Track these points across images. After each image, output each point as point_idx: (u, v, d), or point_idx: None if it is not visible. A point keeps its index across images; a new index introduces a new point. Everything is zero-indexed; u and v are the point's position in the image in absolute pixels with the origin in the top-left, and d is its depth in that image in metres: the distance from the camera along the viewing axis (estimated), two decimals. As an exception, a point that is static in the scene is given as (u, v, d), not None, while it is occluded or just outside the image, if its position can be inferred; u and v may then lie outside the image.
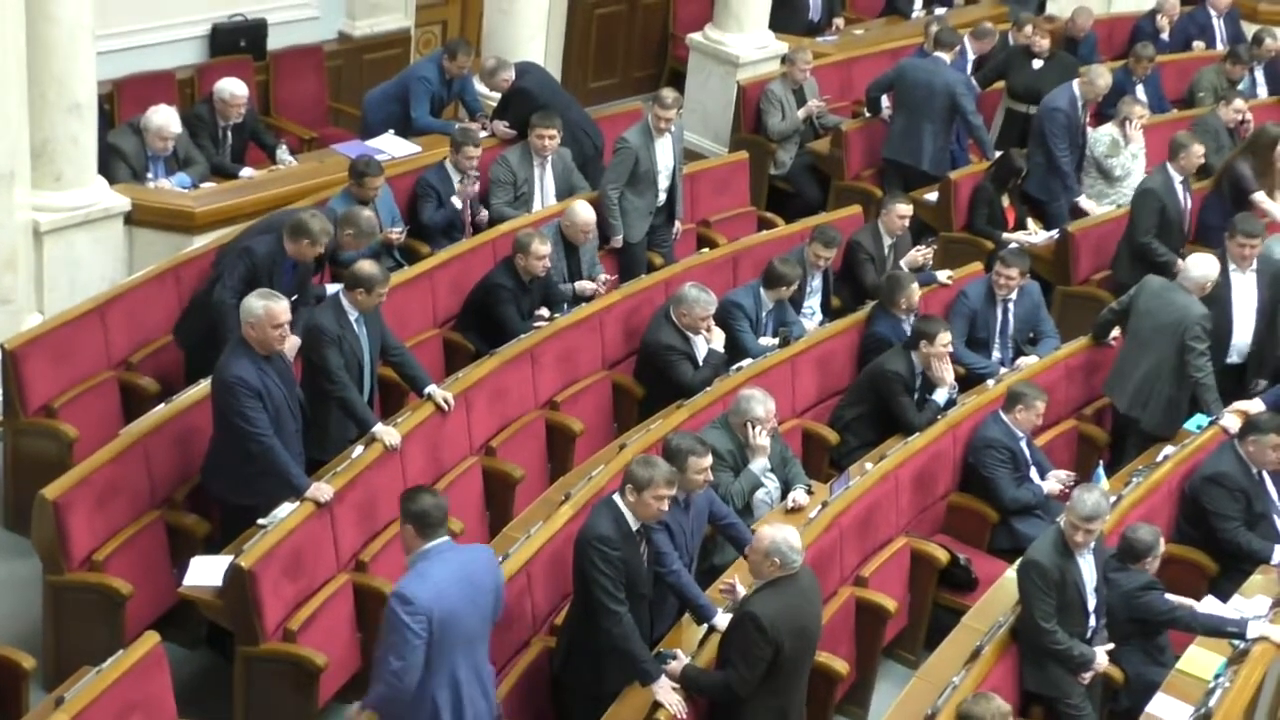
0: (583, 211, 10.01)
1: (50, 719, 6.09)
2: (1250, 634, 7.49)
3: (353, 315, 8.15)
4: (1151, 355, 9.31)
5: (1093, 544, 7.45)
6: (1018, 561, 7.68)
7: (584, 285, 10.01)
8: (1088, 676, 7.42)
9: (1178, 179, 10.94)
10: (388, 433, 8.00)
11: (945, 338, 9.13)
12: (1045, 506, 8.76)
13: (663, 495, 6.77)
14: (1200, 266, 9.46)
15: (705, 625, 7.16)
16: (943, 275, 10.53)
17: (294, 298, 8.39)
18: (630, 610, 6.75)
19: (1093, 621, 7.49)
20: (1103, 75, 12.09)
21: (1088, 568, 7.45)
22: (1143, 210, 10.78)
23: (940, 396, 9.12)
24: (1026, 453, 8.87)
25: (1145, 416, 9.34)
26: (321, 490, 7.53)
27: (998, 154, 11.87)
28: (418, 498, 6.35)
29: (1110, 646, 7.51)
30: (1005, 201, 11.57)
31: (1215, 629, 7.62)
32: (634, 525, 6.81)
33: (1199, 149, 11.01)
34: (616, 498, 6.85)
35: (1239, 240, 9.77)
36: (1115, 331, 9.80)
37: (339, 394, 8.00)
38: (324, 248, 8.69)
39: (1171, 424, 9.32)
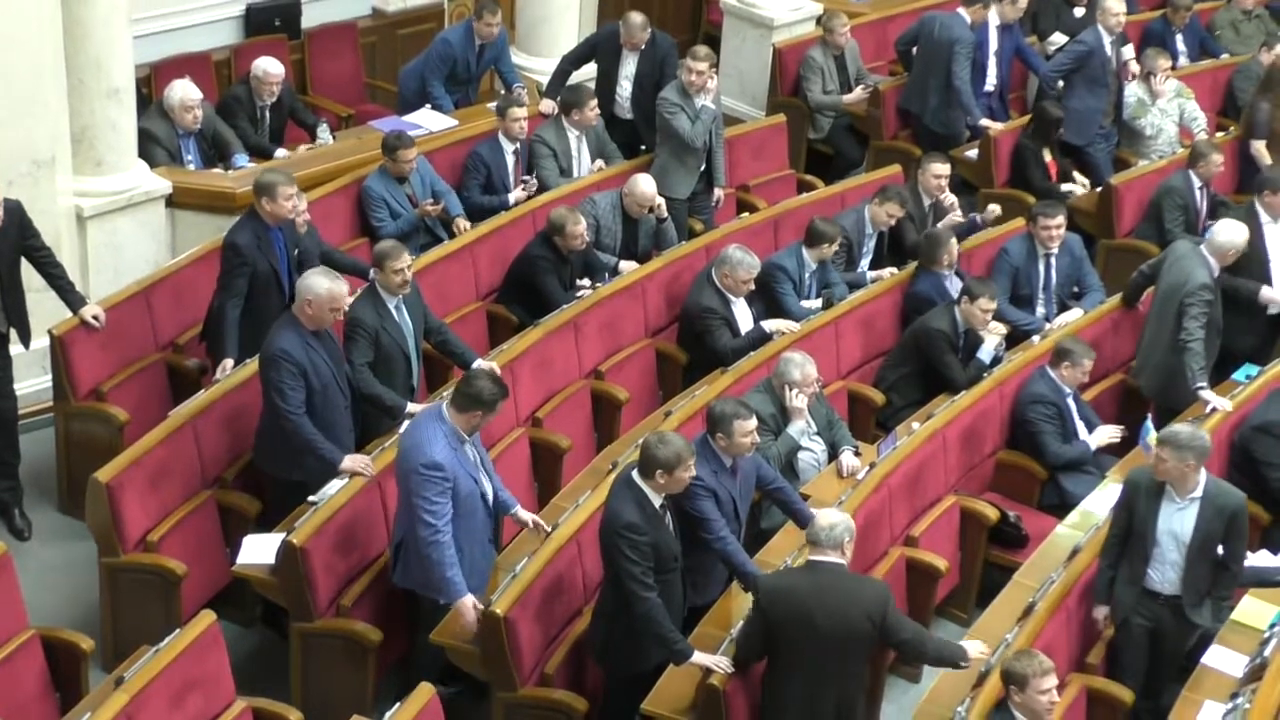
0: (644, 185, 9.93)
1: (110, 699, 6.14)
2: None
3: (391, 303, 8.05)
4: (1154, 321, 9.25)
5: (1198, 489, 7.22)
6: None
7: None
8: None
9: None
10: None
11: (987, 304, 9.09)
12: (1094, 462, 8.73)
13: (690, 467, 6.74)
14: (1226, 232, 9.22)
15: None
16: (989, 212, 10.46)
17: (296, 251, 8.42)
18: (665, 584, 6.75)
19: (1155, 574, 7.31)
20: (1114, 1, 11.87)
21: (1180, 516, 7.22)
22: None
23: (985, 355, 9.08)
24: (1074, 408, 8.83)
25: (1143, 382, 9.30)
26: (357, 461, 7.56)
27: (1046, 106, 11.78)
28: None
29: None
30: (1048, 156, 11.50)
31: (1263, 580, 7.58)
32: (657, 503, 6.76)
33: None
34: (636, 477, 6.76)
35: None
36: (1148, 294, 9.65)
37: (362, 391, 7.90)
38: (294, 198, 8.33)
39: (1170, 392, 9.09)
